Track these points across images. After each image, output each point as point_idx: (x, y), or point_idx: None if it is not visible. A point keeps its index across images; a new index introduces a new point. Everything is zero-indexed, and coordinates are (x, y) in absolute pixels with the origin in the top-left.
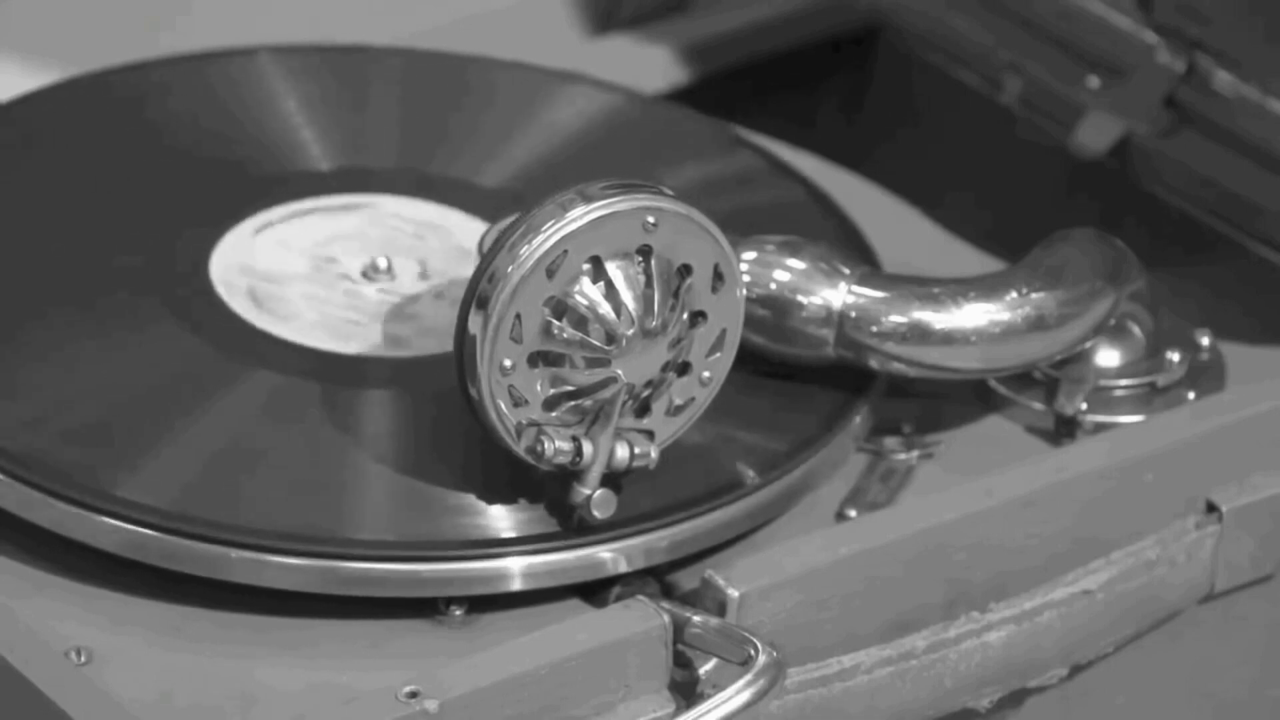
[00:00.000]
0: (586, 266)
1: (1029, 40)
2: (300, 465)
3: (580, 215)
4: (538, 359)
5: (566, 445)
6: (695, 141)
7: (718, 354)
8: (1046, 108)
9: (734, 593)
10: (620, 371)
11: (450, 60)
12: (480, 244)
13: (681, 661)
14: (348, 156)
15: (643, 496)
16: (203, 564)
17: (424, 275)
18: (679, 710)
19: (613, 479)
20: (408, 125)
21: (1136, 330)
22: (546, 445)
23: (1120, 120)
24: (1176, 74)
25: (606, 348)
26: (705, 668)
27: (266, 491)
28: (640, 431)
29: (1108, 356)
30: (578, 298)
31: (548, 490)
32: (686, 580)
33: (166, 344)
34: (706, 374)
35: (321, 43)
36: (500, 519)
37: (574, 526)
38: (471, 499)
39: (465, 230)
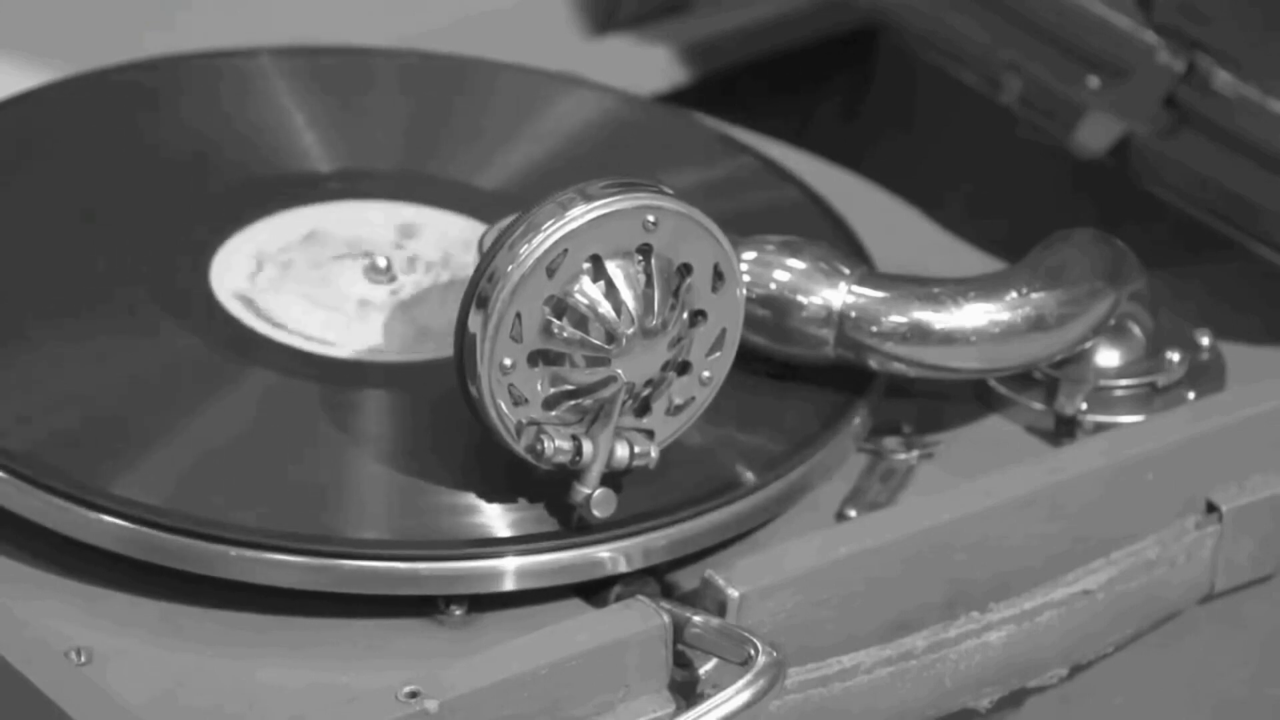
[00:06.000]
0: (586, 265)
1: (1029, 40)
2: (300, 464)
3: (580, 214)
4: (538, 358)
5: (566, 444)
6: (694, 143)
7: (718, 353)
8: (1046, 108)
9: (734, 593)
10: (620, 370)
11: (450, 62)
12: (480, 243)
13: (681, 661)
14: (348, 158)
15: (642, 496)
16: (203, 563)
17: (424, 275)
18: (679, 710)
19: (613, 478)
20: (408, 127)
21: (1136, 330)
22: (546, 444)
23: (1120, 120)
24: (1176, 74)
25: (606, 347)
26: (705, 668)
27: (266, 490)
28: (640, 431)
29: (1108, 356)
30: (578, 297)
31: (547, 490)
32: (686, 580)
33: (167, 343)
34: (706, 373)
35: (321, 44)
36: (500, 518)
37: (574, 526)
38: (471, 498)
39: (465, 231)
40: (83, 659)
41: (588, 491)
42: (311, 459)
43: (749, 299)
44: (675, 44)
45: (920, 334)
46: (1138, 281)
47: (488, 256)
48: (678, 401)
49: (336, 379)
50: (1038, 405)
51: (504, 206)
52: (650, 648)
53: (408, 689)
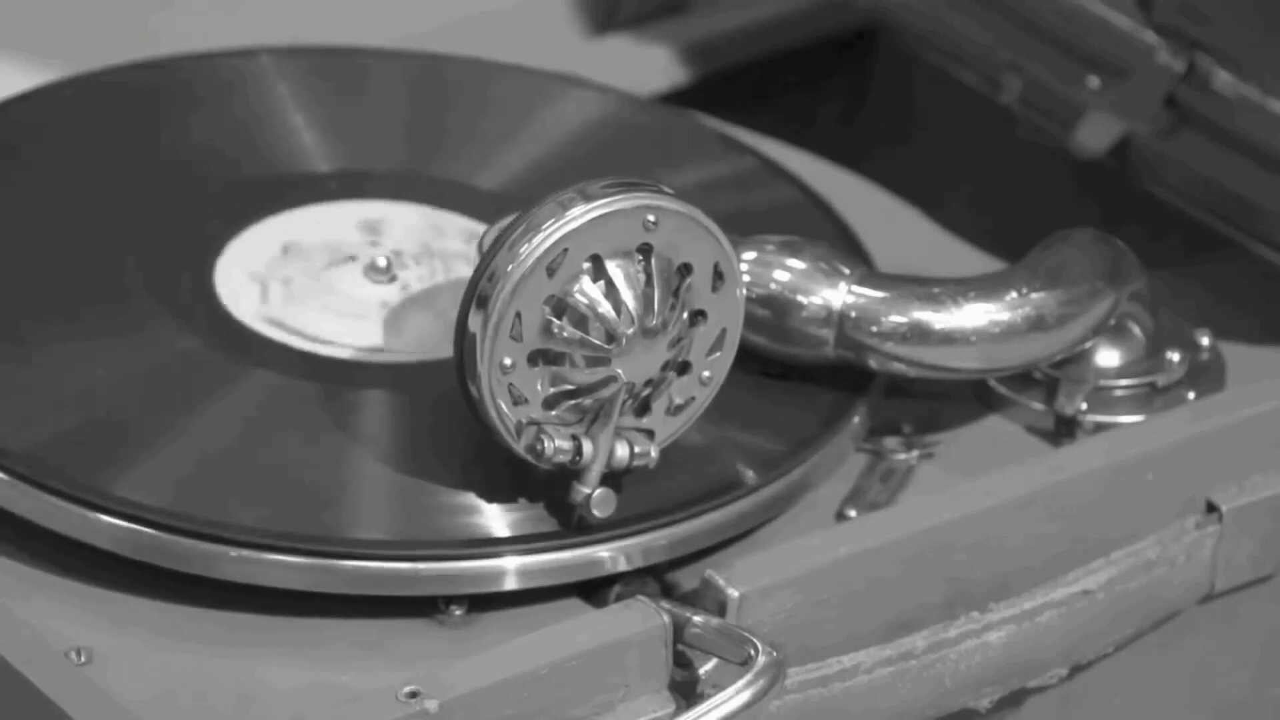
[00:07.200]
0: (587, 265)
1: (1029, 40)
2: (300, 465)
3: (580, 214)
4: (538, 357)
5: (566, 444)
6: (694, 143)
7: (718, 353)
8: (1046, 108)
9: (734, 593)
10: (620, 370)
11: (449, 62)
12: (480, 243)
13: (681, 661)
14: (347, 159)
15: (642, 496)
16: (202, 563)
17: (424, 275)
18: (679, 710)
19: (613, 478)
20: (408, 128)
21: (1136, 330)
22: (546, 444)
23: (1120, 120)
24: (1176, 74)
25: (606, 346)
26: (705, 668)
27: (266, 491)
28: (640, 430)
29: (1108, 356)
30: (578, 296)
31: (547, 489)
32: (686, 580)
33: (167, 344)
34: (706, 373)
35: (321, 44)
36: (500, 518)
37: (574, 526)
38: (471, 498)
39: (465, 232)
40: (83, 659)
41: (587, 491)
42: (311, 459)
43: (749, 299)
44: (675, 44)
45: (920, 334)
46: (1138, 281)
47: (488, 256)
48: (678, 401)
49: (336, 379)
50: (1038, 405)
51: (505, 206)
52: (650, 648)
53: (408, 689)
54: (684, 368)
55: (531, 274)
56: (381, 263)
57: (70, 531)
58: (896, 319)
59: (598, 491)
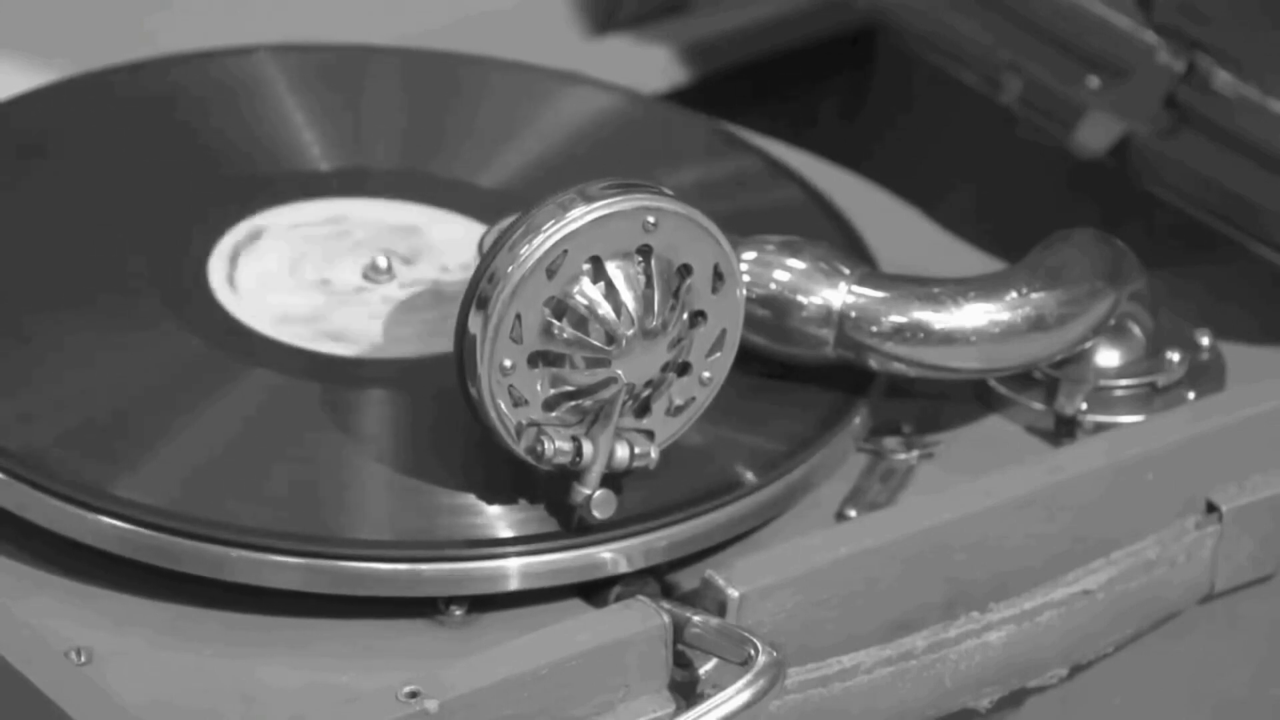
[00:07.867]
0: (586, 266)
1: (1029, 40)
2: (300, 465)
3: (580, 215)
4: (538, 359)
5: (566, 445)
6: (694, 142)
7: (718, 354)
8: (1046, 108)
9: (734, 593)
10: (620, 371)
11: (450, 60)
12: (480, 244)
13: (681, 661)
14: (347, 156)
15: (643, 496)
16: (202, 564)
17: (424, 275)
18: (679, 710)
19: (613, 479)
20: (407, 125)
21: (1136, 330)
22: (546, 445)
23: (1120, 120)
24: (1176, 74)
25: (606, 348)
26: (705, 668)
27: (266, 491)
28: (640, 431)
29: (1108, 356)
30: (578, 298)
31: (547, 490)
32: (686, 580)
33: (166, 343)
34: (706, 374)
35: (321, 42)
36: (500, 519)
37: (574, 526)
38: (471, 499)
39: (465, 231)
40: (83, 659)
41: (588, 492)
42: (312, 459)
43: (749, 299)
44: (675, 44)
45: (920, 334)
46: (1138, 281)
47: (488, 257)
48: (678, 402)
49: (336, 379)
50: (1038, 405)
51: (504, 205)
52: (650, 648)
53: (408, 689)
54: (684, 368)
55: (531, 275)
56: (381, 262)
57: (70, 532)
58: (896, 319)
59: (598, 493)
